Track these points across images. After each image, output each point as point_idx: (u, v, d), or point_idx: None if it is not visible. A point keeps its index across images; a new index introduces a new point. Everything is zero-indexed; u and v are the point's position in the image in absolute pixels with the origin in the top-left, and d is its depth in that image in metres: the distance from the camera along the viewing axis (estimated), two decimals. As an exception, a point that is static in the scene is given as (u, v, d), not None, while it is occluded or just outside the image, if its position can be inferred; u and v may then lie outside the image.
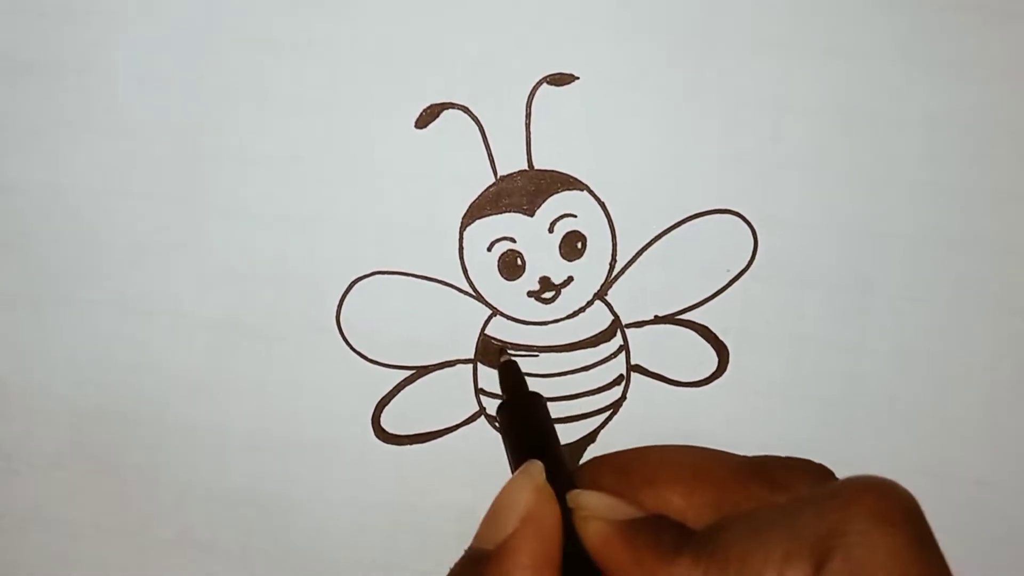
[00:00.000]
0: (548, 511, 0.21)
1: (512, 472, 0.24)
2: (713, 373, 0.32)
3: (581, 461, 0.33)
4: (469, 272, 0.32)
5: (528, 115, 0.32)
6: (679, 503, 0.21)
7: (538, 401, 0.27)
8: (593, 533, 0.21)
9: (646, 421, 0.32)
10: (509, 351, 0.31)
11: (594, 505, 0.21)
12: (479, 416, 0.33)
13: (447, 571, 0.33)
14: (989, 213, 0.31)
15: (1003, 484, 0.32)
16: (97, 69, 0.32)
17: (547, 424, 0.26)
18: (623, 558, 0.20)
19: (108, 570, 0.34)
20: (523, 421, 0.26)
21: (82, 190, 0.32)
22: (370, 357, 0.32)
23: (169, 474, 0.33)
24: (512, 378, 0.29)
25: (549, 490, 0.22)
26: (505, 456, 0.27)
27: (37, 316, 0.33)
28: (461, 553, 0.33)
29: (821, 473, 0.22)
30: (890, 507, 0.18)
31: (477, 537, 0.22)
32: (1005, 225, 0.32)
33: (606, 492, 0.22)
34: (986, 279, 0.32)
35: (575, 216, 0.32)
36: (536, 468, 0.22)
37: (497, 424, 0.26)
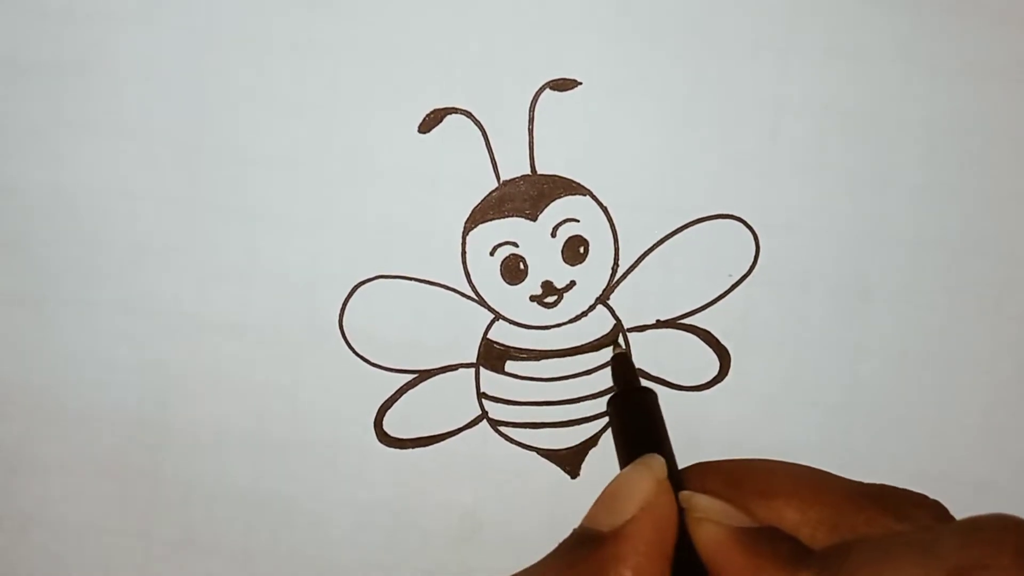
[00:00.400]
0: (667, 504, 0.21)
1: (621, 465, 0.24)
2: (715, 377, 0.32)
3: (583, 464, 0.33)
4: (472, 276, 0.32)
5: (531, 120, 0.32)
6: (794, 518, 0.21)
7: (651, 395, 0.27)
8: (707, 535, 0.21)
9: (648, 425, 0.33)
10: (620, 344, 0.31)
11: (709, 508, 0.21)
12: (481, 420, 0.33)
13: (448, 573, 0.33)
14: (988, 217, 0.32)
15: (1002, 487, 0.33)
16: (99, 70, 0.32)
17: (660, 420, 0.26)
18: (740, 564, 0.20)
19: (110, 570, 0.34)
20: (637, 414, 0.26)
21: (84, 191, 0.33)
22: (372, 361, 0.33)
23: (171, 475, 0.33)
24: (625, 370, 0.28)
25: (668, 485, 0.22)
26: (614, 445, 0.26)
27: (39, 317, 0.33)
28: (462, 556, 0.33)
29: (939, 509, 0.22)
30: None
31: (589, 518, 0.22)
32: (1004, 229, 0.32)
33: (716, 497, 0.22)
34: (985, 283, 0.32)
35: (577, 221, 0.32)
36: (658, 462, 0.22)
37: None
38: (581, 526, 0.22)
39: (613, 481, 0.22)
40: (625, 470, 0.23)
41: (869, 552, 0.19)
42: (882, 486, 0.22)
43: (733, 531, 0.21)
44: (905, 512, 0.21)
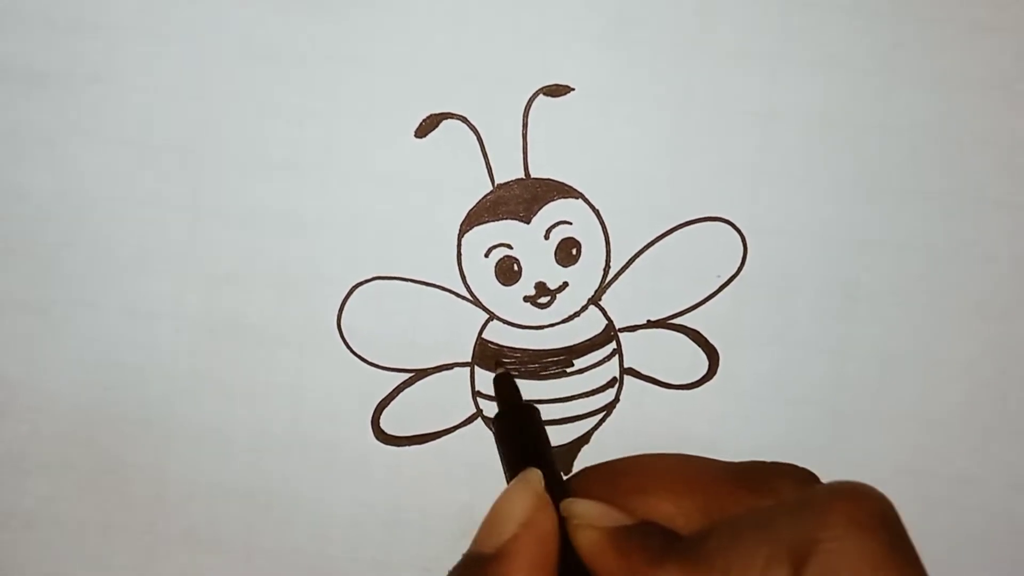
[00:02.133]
0: (546, 518, 0.22)
1: (507, 480, 0.25)
2: (704, 376, 0.33)
3: (575, 461, 0.34)
4: (467, 277, 0.33)
5: (525, 125, 0.32)
6: (669, 509, 0.22)
7: (532, 412, 0.27)
8: (585, 540, 0.21)
9: (639, 423, 0.33)
10: (504, 360, 0.32)
11: (586, 513, 0.22)
12: (476, 418, 0.33)
13: (446, 570, 0.34)
14: (970, 220, 0.32)
15: (983, 483, 0.33)
16: (105, 79, 0.32)
17: (542, 434, 0.27)
18: (614, 564, 0.21)
19: (113, 568, 0.34)
20: (518, 431, 0.26)
21: (90, 196, 0.33)
22: (370, 360, 0.33)
23: (173, 474, 0.34)
24: (507, 389, 0.29)
25: (547, 497, 0.22)
26: (500, 462, 0.27)
27: (45, 319, 0.34)
28: (459, 552, 0.34)
29: (805, 478, 0.22)
30: (864, 511, 0.19)
31: (476, 541, 0.22)
32: (985, 232, 0.32)
33: (598, 500, 0.22)
34: (967, 285, 0.32)
35: (570, 223, 0.33)
36: (535, 476, 0.23)
37: (494, 435, 0.26)
38: (468, 550, 0.22)
39: (496, 501, 0.23)
40: (505, 489, 0.23)
41: (723, 534, 0.20)
42: (750, 463, 0.23)
43: (607, 532, 0.21)
44: (770, 487, 0.22)
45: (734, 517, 0.20)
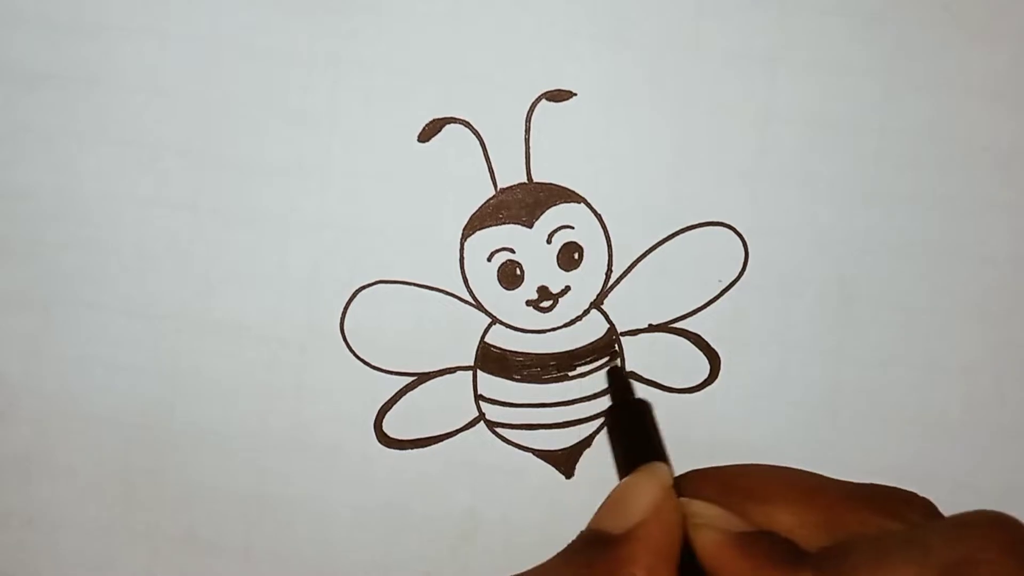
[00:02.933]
0: (674, 509, 0.22)
1: (620, 473, 0.25)
2: (705, 380, 0.33)
3: (577, 464, 0.34)
4: (469, 281, 0.33)
5: (527, 130, 0.32)
6: (788, 521, 0.22)
7: (648, 407, 0.27)
8: (707, 540, 0.21)
9: (640, 426, 0.33)
10: (618, 359, 0.32)
11: (707, 513, 0.22)
12: (479, 421, 0.33)
13: (446, 573, 0.34)
14: (968, 223, 0.32)
15: (981, 486, 0.33)
16: (107, 80, 0.33)
17: (658, 431, 0.27)
18: (738, 567, 0.20)
19: (115, 569, 0.34)
20: (638, 425, 0.26)
21: (92, 197, 0.33)
22: (373, 363, 0.33)
23: (176, 475, 0.34)
24: (621, 383, 0.29)
25: (674, 491, 0.22)
26: (612, 455, 0.27)
27: (47, 320, 0.34)
28: (461, 555, 0.34)
29: (929, 507, 0.22)
30: (1020, 541, 0.19)
31: (597, 521, 0.22)
32: (983, 235, 0.33)
33: (707, 501, 0.22)
34: (966, 288, 0.33)
35: (572, 228, 0.33)
36: (663, 470, 0.23)
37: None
38: (590, 528, 0.22)
39: (620, 486, 0.23)
40: (631, 476, 0.23)
41: (866, 551, 0.20)
42: (873, 486, 0.23)
43: (731, 535, 0.21)
44: (897, 511, 0.22)
45: (876, 536, 0.20)
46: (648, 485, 0.22)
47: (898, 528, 0.21)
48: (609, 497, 0.22)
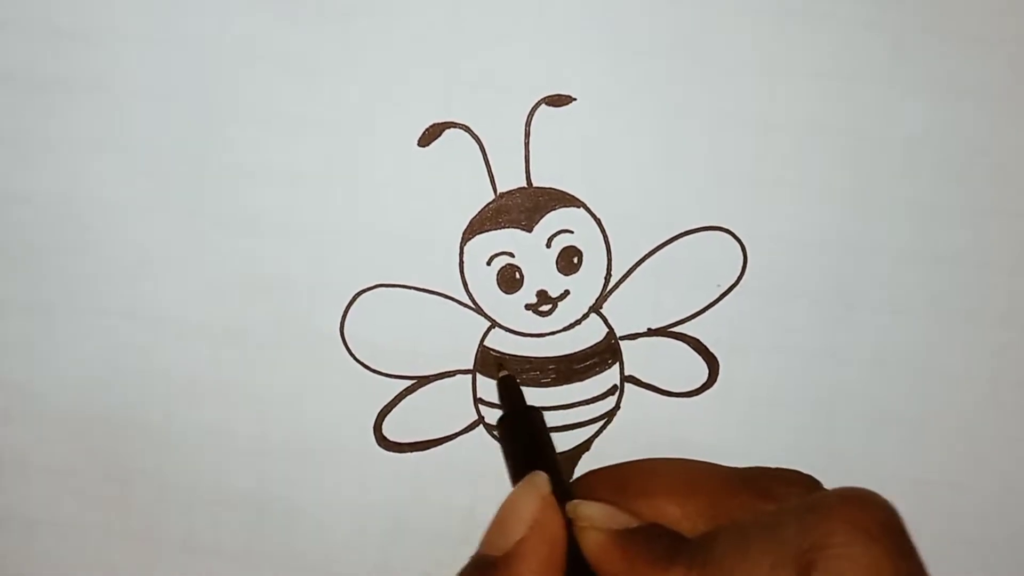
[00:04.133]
0: (554, 519, 0.22)
1: (512, 483, 0.25)
2: (704, 384, 0.33)
3: (576, 468, 0.34)
4: (469, 285, 0.33)
5: (527, 134, 0.33)
6: (674, 512, 0.22)
7: (536, 414, 0.27)
8: (591, 542, 0.21)
9: (639, 430, 0.34)
10: (504, 365, 0.32)
11: (592, 515, 0.22)
12: (478, 425, 0.34)
13: (446, 575, 0.34)
14: (966, 229, 0.33)
15: (979, 489, 0.33)
16: (108, 87, 0.33)
17: (545, 437, 0.27)
18: (620, 567, 0.21)
19: (114, 572, 0.35)
20: (522, 434, 0.26)
21: (93, 203, 0.33)
22: (372, 367, 0.33)
23: (175, 479, 0.34)
24: (510, 392, 0.29)
25: (554, 500, 0.22)
26: (505, 465, 0.27)
27: (48, 324, 0.34)
28: (461, 557, 0.34)
29: (810, 484, 0.22)
30: (869, 518, 0.19)
31: (484, 543, 0.22)
32: (981, 240, 0.33)
33: (603, 502, 0.22)
34: (963, 292, 0.33)
35: (572, 232, 0.33)
36: (541, 479, 0.23)
37: (495, 434, 0.26)
38: (476, 552, 0.22)
39: (502, 504, 0.23)
40: (512, 492, 0.23)
41: (729, 539, 0.20)
42: (754, 469, 0.23)
43: (613, 534, 0.21)
44: (775, 492, 0.22)
45: (741, 522, 0.20)
46: (527, 499, 0.22)
47: (770, 510, 0.21)
48: (494, 516, 0.23)
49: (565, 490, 0.24)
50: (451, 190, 0.33)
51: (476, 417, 0.34)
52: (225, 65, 0.32)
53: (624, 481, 0.23)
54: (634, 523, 0.22)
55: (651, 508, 0.22)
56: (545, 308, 0.33)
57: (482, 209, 0.33)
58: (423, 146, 0.33)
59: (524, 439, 0.26)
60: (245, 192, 0.33)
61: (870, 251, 0.33)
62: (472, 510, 0.34)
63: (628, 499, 0.22)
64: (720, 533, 0.20)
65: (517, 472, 0.25)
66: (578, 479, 0.24)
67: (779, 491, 0.22)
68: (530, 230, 0.33)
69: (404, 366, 0.33)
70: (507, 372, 0.31)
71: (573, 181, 0.33)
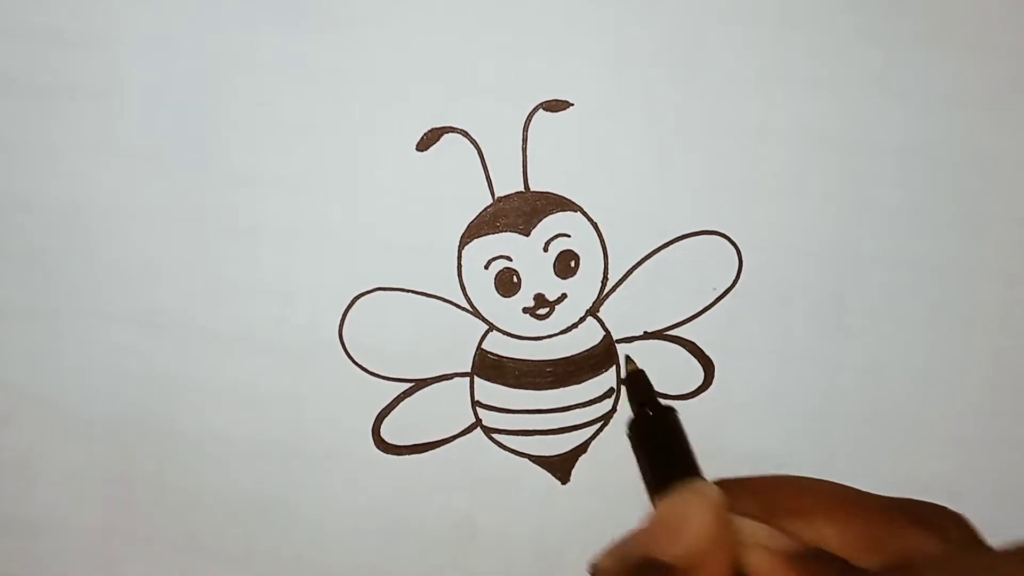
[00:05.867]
0: (730, 533, 0.21)
1: (649, 485, 0.24)
2: (700, 386, 0.34)
3: (573, 470, 0.34)
4: (467, 289, 0.33)
5: (525, 139, 0.33)
6: (831, 536, 0.21)
7: (675, 415, 0.26)
8: (759, 561, 0.20)
9: (635, 432, 0.34)
10: (633, 361, 0.29)
11: (756, 533, 0.21)
12: (475, 427, 0.34)
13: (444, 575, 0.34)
14: (961, 236, 0.33)
15: (973, 493, 0.34)
16: (113, 93, 0.33)
17: (686, 441, 0.25)
18: None
19: (116, 573, 0.35)
20: (669, 435, 0.25)
21: (96, 208, 0.33)
22: (371, 370, 0.34)
23: (176, 481, 0.34)
24: (644, 388, 0.27)
25: (727, 513, 0.21)
26: (639, 466, 0.25)
27: (51, 328, 0.34)
28: (458, 559, 0.34)
29: (961, 520, 0.22)
30: None
31: (649, 544, 0.21)
32: (976, 247, 0.33)
33: (749, 517, 0.21)
34: (956, 298, 0.33)
35: (569, 236, 0.33)
36: (713, 490, 0.21)
37: (628, 435, 0.25)
38: (644, 555, 0.21)
39: (667, 507, 0.21)
40: (678, 496, 0.21)
41: (937, 571, 0.19)
42: (906, 500, 0.22)
43: (783, 556, 0.20)
44: (935, 524, 0.21)
45: (944, 557, 0.20)
46: (699, 507, 0.21)
47: (936, 543, 0.20)
48: (657, 518, 0.21)
49: None
50: (449, 194, 0.33)
51: (474, 420, 0.34)
52: (227, 72, 0.33)
53: (771, 497, 0.22)
54: (797, 545, 0.21)
55: (806, 530, 0.21)
56: (542, 311, 0.33)
57: (480, 213, 0.33)
58: (422, 151, 0.33)
59: (670, 441, 0.24)
60: (246, 197, 0.33)
61: (865, 256, 0.33)
62: (469, 512, 0.34)
63: (780, 517, 0.21)
64: (921, 565, 0.20)
65: (664, 476, 0.23)
66: (719, 485, 0.23)
67: (939, 524, 0.21)
68: (527, 234, 0.33)
69: (402, 369, 0.34)
70: (635, 366, 0.28)
71: (570, 186, 0.33)
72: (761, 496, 0.22)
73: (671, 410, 0.26)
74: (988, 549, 0.20)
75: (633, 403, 0.26)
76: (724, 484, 0.22)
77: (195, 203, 0.33)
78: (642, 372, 0.28)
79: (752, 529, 0.21)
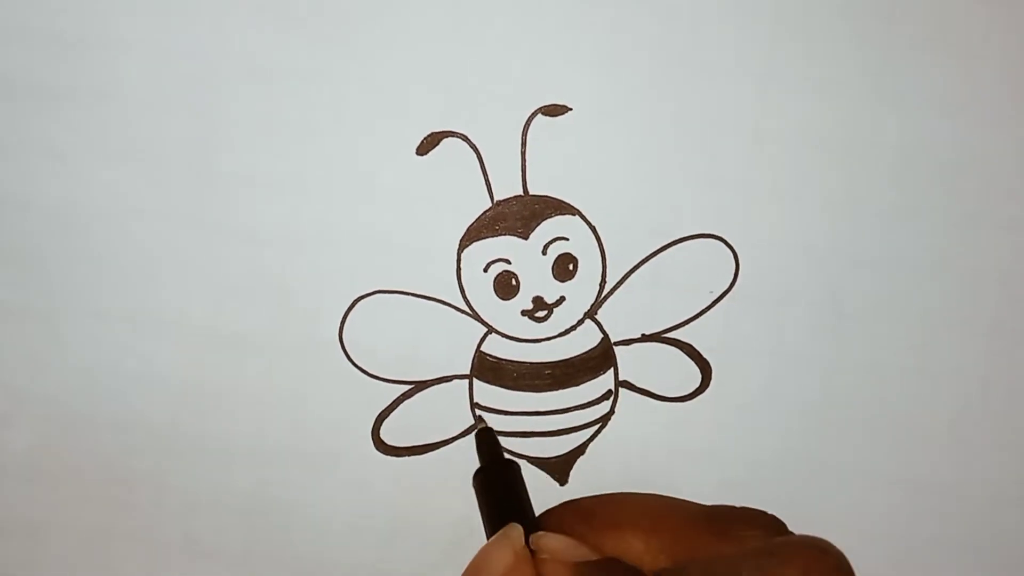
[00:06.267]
0: (526, 572, 0.22)
1: (487, 534, 0.25)
2: (697, 388, 0.34)
3: (571, 472, 0.34)
4: (466, 292, 0.34)
5: (523, 143, 0.33)
6: (638, 546, 0.22)
7: (514, 467, 0.27)
8: (552, 574, 0.22)
9: (633, 434, 0.34)
10: (480, 413, 0.33)
11: (553, 547, 0.22)
12: (474, 429, 0.34)
13: (442, 575, 0.34)
14: (957, 237, 0.33)
15: (969, 493, 0.34)
16: (112, 95, 0.33)
17: (522, 490, 0.27)
18: None
19: (117, 574, 0.35)
20: (500, 486, 0.27)
21: (96, 209, 0.33)
22: (371, 372, 0.34)
23: (176, 482, 0.34)
24: (488, 444, 0.29)
25: (527, 553, 0.23)
26: (480, 517, 0.27)
27: (51, 329, 0.34)
28: (456, 560, 0.34)
29: (773, 526, 0.22)
30: (823, 567, 0.19)
31: None
32: (968, 249, 0.33)
33: (570, 536, 0.23)
34: (952, 300, 0.33)
35: (567, 239, 0.33)
36: (516, 531, 0.23)
37: (474, 489, 0.27)
38: None
39: (476, 555, 0.23)
40: (487, 544, 0.24)
41: None
42: (721, 507, 0.23)
43: (573, 567, 0.22)
44: (734, 532, 0.22)
45: (701, 560, 0.21)
46: (501, 551, 0.23)
47: (728, 547, 0.21)
48: (468, 566, 0.23)
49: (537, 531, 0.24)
50: (449, 198, 0.33)
51: (472, 421, 0.34)
52: (227, 75, 0.33)
53: (591, 513, 0.23)
54: (594, 556, 0.22)
55: (617, 541, 0.22)
56: (541, 314, 0.34)
57: (479, 217, 0.33)
58: (421, 155, 0.33)
59: (500, 491, 0.26)
60: (246, 200, 0.33)
61: (861, 259, 0.33)
62: (467, 513, 0.34)
63: (594, 531, 0.23)
64: (678, 571, 0.21)
65: (494, 525, 0.25)
66: (548, 511, 0.25)
67: (741, 533, 0.22)
68: (526, 237, 0.33)
69: (402, 371, 0.34)
70: (484, 424, 0.31)
71: (568, 189, 0.33)
72: (584, 512, 0.24)
73: (513, 463, 0.27)
74: (767, 549, 0.21)
75: (483, 457, 0.29)
76: (560, 506, 0.24)
77: (196, 205, 0.33)
78: (490, 430, 0.30)
79: (552, 543, 0.23)
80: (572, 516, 0.24)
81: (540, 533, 0.23)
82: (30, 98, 0.33)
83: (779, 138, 0.33)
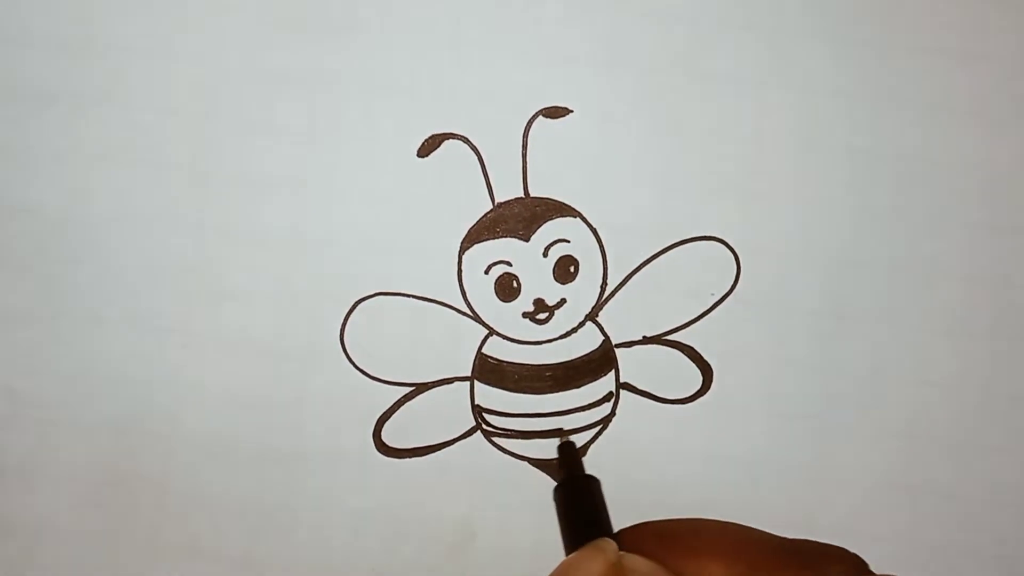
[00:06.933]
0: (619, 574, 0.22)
1: (568, 548, 0.25)
2: (698, 391, 0.34)
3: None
4: (467, 294, 0.34)
5: (524, 146, 0.33)
6: (718, 573, 0.22)
7: (595, 482, 0.28)
8: None
9: (634, 436, 0.34)
10: (562, 427, 0.33)
11: (639, 569, 0.22)
12: (475, 431, 0.34)
13: (443, 579, 0.34)
14: (956, 242, 0.33)
15: (969, 498, 0.34)
16: (114, 99, 0.33)
17: (603, 506, 0.27)
18: None
19: (116, 577, 0.35)
20: (581, 501, 0.27)
21: (98, 213, 0.34)
22: (372, 374, 0.34)
23: (177, 484, 0.34)
24: (571, 458, 0.30)
25: (622, 567, 0.23)
26: (560, 529, 0.27)
27: (54, 332, 0.34)
28: (456, 562, 0.34)
29: (855, 563, 0.22)
30: None
31: None
32: (971, 253, 0.33)
33: (650, 559, 0.23)
34: (954, 304, 0.33)
35: (568, 241, 0.33)
36: (611, 546, 0.23)
37: (556, 501, 0.27)
38: None
39: (567, 562, 0.23)
40: (580, 551, 0.24)
41: None
42: (803, 541, 0.23)
43: None
44: (822, 568, 0.22)
45: None
46: (595, 563, 0.23)
47: None
48: (558, 569, 0.23)
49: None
50: (450, 200, 0.33)
51: (473, 423, 0.34)
52: (228, 78, 0.33)
53: (671, 537, 0.23)
54: None
55: (697, 567, 0.22)
56: (542, 316, 0.34)
57: (480, 219, 0.33)
58: (422, 156, 0.33)
59: (583, 506, 0.26)
60: (247, 202, 0.33)
61: (863, 262, 0.33)
62: (469, 516, 0.34)
63: (675, 556, 0.23)
64: None
65: (575, 539, 0.25)
66: (626, 530, 0.25)
67: (826, 568, 0.22)
68: (527, 239, 0.33)
69: (403, 373, 0.34)
70: (567, 437, 0.31)
71: (570, 191, 0.33)
72: (660, 536, 0.24)
73: (594, 479, 0.27)
74: None
75: (565, 471, 0.29)
76: (632, 528, 0.24)
77: (196, 208, 0.33)
78: (572, 443, 0.30)
79: (638, 565, 0.23)
80: (652, 539, 0.24)
81: (628, 554, 0.23)
82: (32, 102, 0.33)
83: (781, 140, 0.33)
